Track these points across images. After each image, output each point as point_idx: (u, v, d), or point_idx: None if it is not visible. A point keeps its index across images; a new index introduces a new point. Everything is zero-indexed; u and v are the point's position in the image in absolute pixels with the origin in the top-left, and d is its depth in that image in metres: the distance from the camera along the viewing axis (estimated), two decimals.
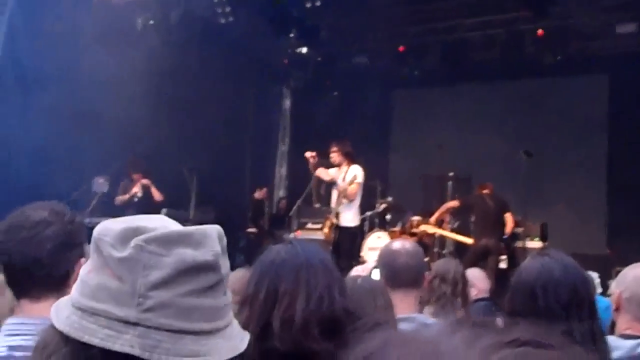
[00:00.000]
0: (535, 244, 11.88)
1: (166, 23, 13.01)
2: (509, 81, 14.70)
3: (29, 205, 2.32)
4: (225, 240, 1.31)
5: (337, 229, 10.12)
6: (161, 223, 1.25)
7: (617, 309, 3.03)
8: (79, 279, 1.23)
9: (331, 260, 2.16)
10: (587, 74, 14.01)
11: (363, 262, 9.76)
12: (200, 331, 1.19)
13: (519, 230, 11.70)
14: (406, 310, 3.41)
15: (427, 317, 3.68)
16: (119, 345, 1.13)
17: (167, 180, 12.79)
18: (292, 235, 12.33)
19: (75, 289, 1.23)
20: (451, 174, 12.40)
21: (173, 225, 1.26)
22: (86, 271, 1.23)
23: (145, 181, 12.03)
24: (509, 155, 12.68)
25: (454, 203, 11.95)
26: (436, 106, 15.31)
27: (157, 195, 12.02)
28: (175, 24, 12.95)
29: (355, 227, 10.37)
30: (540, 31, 13.16)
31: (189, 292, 1.18)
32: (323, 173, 10.20)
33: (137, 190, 12.04)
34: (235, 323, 1.32)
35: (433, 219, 11.94)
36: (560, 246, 11.23)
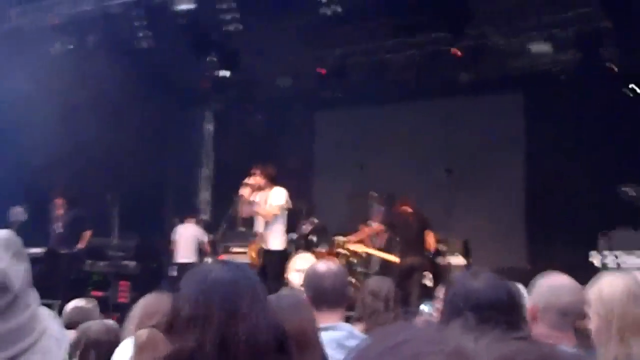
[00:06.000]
0: (458, 260, 12.06)
1: (84, 48, 12.85)
2: (428, 101, 14.94)
3: None
4: (17, 243, 1.17)
5: (264, 252, 10.10)
6: None
7: (534, 320, 3.12)
8: None
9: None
10: (503, 93, 14.38)
11: (288, 284, 9.79)
12: None
13: (442, 247, 11.87)
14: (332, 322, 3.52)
15: (354, 328, 3.77)
16: None
17: (90, 206, 12.59)
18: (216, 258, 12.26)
19: None
20: (374, 193, 12.53)
21: None
22: None
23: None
24: (429, 173, 12.91)
25: (377, 227, 12.07)
26: (358, 126, 15.46)
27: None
28: (93, 48, 12.80)
29: (282, 250, 10.36)
30: (457, 51, 13.45)
31: None
32: (246, 192, 10.15)
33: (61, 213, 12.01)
34: (53, 330, 1.19)
35: (355, 238, 12.03)
36: (483, 261, 11.51)
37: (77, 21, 12.76)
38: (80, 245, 12.09)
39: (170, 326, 2.02)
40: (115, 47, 13.01)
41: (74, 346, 3.18)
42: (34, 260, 1.13)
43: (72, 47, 12.93)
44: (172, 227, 13.87)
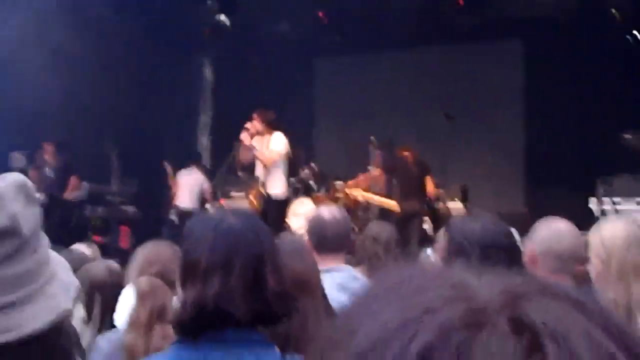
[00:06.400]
0: (456, 205, 12.13)
1: None
2: (428, 46, 14.77)
3: None
4: (28, 187, 1.18)
5: (264, 197, 10.13)
6: None
7: (532, 264, 3.15)
8: None
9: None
10: (503, 39, 14.26)
11: (288, 229, 9.85)
12: (5, 305, 1.06)
13: (440, 192, 11.91)
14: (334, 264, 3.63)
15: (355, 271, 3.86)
16: None
17: (88, 152, 12.58)
18: (217, 203, 12.28)
19: None
20: (373, 138, 12.50)
21: None
22: None
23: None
24: (429, 120, 12.89)
25: (376, 173, 12.09)
26: (357, 73, 15.36)
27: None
28: None
29: (282, 196, 10.37)
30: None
31: None
32: (246, 139, 10.10)
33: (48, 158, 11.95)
34: (61, 276, 1.20)
35: (354, 183, 12.07)
36: (481, 207, 11.58)
37: None
38: (69, 191, 12.04)
39: (187, 274, 2.03)
40: None
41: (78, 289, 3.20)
42: None
43: None
44: (166, 172, 13.74)
